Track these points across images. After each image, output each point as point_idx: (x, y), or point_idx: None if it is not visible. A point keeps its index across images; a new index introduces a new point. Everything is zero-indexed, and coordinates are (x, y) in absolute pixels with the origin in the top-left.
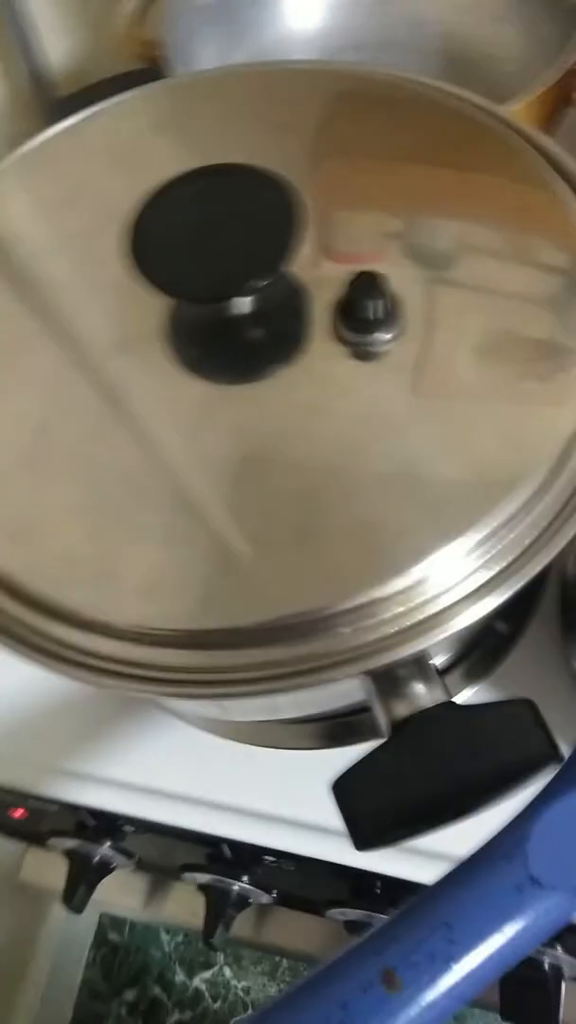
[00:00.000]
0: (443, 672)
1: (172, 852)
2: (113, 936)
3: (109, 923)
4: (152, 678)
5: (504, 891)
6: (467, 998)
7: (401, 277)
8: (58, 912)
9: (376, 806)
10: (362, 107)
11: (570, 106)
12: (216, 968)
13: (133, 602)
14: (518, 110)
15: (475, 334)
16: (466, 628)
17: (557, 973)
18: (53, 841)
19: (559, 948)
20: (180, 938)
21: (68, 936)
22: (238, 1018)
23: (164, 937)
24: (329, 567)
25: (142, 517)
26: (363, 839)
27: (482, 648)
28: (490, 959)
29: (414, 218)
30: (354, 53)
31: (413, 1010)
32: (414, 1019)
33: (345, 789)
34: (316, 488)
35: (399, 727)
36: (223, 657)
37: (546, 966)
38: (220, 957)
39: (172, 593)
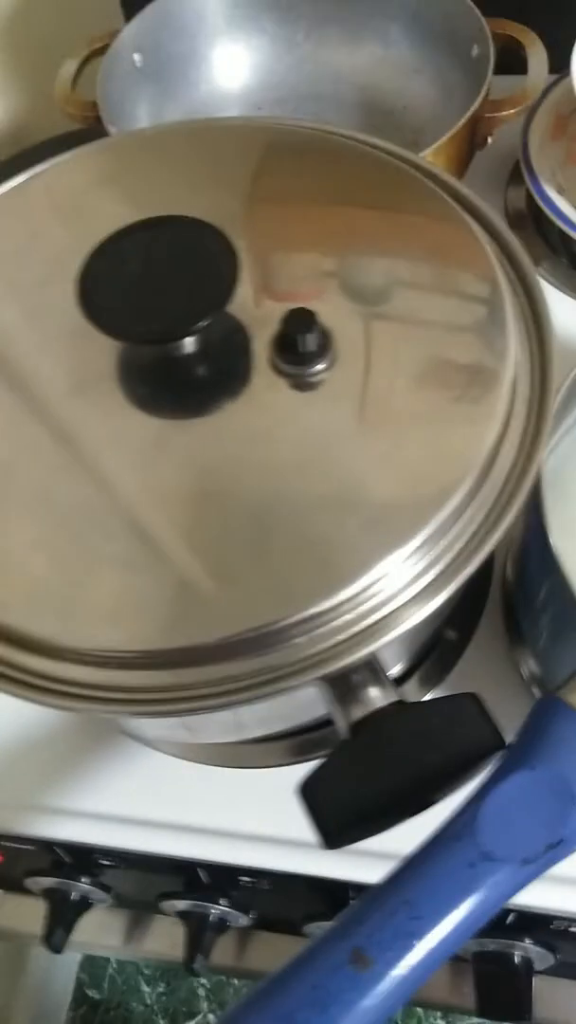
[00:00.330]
0: (400, 680)
1: (149, 882)
2: (92, 993)
3: (88, 980)
4: (120, 699)
5: (459, 867)
6: (433, 969)
7: (333, 311)
8: (33, 973)
9: (340, 804)
10: (289, 158)
11: (479, 148)
12: (200, 1016)
13: (98, 628)
14: (432, 154)
15: (403, 361)
16: (411, 629)
17: (528, 966)
18: (30, 882)
19: (528, 941)
20: (161, 988)
21: (45, 998)
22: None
23: (145, 989)
24: (282, 583)
25: (103, 548)
26: (330, 837)
27: (435, 656)
28: (451, 931)
29: (342, 258)
30: (279, 107)
31: (383, 985)
32: (384, 993)
33: (310, 791)
34: (266, 510)
35: (356, 728)
36: (186, 675)
37: (517, 960)
38: (204, 1004)
39: (135, 617)
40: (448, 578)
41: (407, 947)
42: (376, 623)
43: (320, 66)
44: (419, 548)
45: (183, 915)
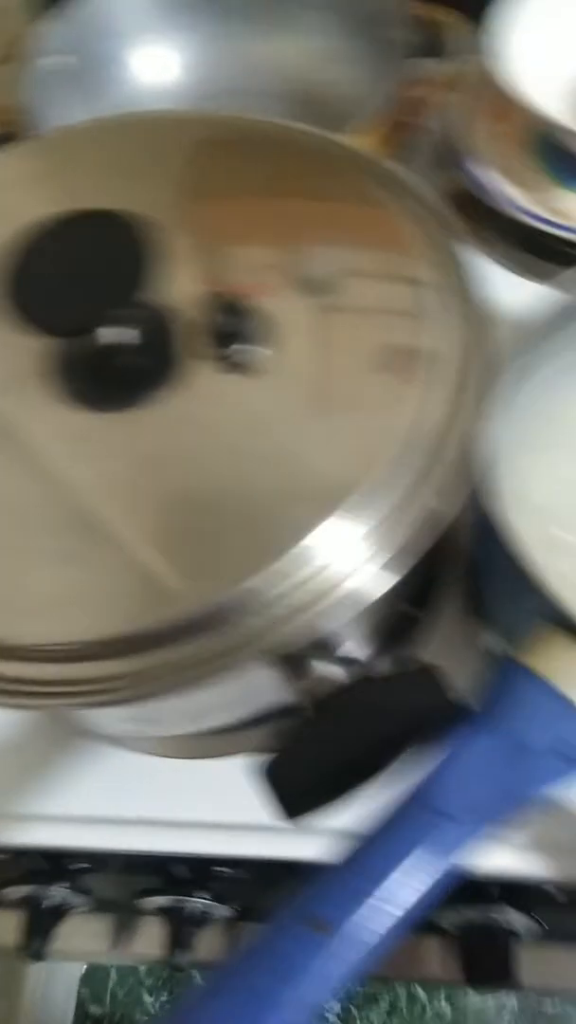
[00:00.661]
0: (363, 656)
1: (125, 882)
2: (94, 1009)
3: (89, 995)
4: (70, 692)
5: (415, 827)
6: (394, 928)
7: (263, 297)
8: (32, 991)
9: (299, 776)
10: (219, 149)
11: (413, 132)
12: None
13: (43, 621)
14: (360, 139)
15: (333, 341)
16: (364, 604)
17: (510, 933)
18: (5, 892)
19: (511, 908)
20: (164, 998)
21: (45, 1016)
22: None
23: (147, 1000)
24: (222, 561)
25: (40, 542)
26: (290, 806)
27: (397, 633)
28: (404, 887)
29: (274, 244)
30: (206, 103)
31: (345, 944)
32: (348, 952)
33: (271, 769)
34: (202, 492)
35: (318, 706)
36: (135, 663)
37: (499, 928)
38: None
39: (77, 608)
40: (390, 551)
41: (364, 905)
42: (322, 600)
43: (243, 61)
44: (354, 520)
45: (163, 912)
